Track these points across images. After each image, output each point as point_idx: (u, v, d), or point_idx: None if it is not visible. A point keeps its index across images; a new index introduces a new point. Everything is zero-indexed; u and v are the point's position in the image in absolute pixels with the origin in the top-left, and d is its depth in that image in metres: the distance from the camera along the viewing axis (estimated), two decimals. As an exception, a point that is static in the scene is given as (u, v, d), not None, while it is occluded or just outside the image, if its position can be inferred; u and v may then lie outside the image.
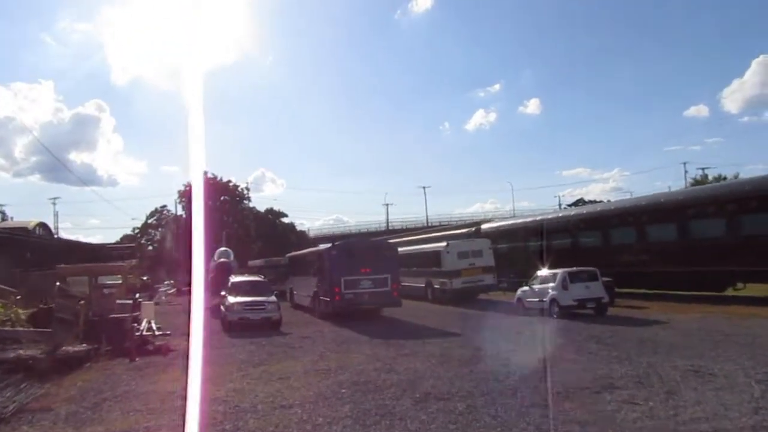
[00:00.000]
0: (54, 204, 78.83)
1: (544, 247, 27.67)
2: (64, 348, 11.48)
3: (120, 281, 18.93)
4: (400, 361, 11.73)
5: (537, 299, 20.44)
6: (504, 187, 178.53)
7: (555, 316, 19.17)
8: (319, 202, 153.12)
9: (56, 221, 77.45)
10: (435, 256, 28.27)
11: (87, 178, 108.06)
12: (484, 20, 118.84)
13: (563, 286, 19.30)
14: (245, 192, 68.96)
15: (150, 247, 70.79)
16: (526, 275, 23.66)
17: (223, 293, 19.88)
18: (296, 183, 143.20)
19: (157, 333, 17.59)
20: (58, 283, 13.60)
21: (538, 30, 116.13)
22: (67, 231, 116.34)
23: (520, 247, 30.32)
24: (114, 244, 74.36)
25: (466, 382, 9.53)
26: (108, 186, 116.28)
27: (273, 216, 74.35)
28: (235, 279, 21.67)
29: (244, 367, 11.67)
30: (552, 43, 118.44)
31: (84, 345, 12.55)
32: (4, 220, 64.55)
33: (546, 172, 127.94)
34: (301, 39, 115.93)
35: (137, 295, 20.95)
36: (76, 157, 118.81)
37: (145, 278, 53.46)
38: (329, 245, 22.93)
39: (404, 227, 77.39)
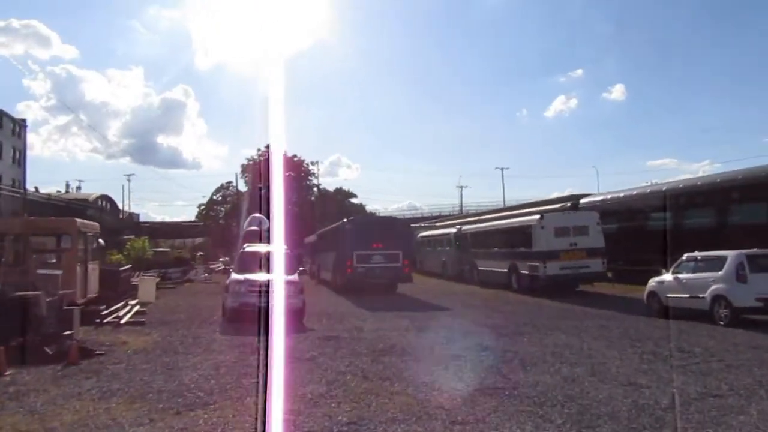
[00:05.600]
0: (128, 180, 78.41)
1: (674, 226, 20.22)
2: None
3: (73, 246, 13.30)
4: (491, 415, 5.52)
5: (687, 295, 13.50)
6: (583, 173, 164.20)
7: (722, 322, 12.27)
8: (394, 185, 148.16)
9: (123, 197, 76.75)
10: (523, 233, 21.48)
11: (173, 160, 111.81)
12: (566, 3, 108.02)
13: (738, 276, 12.28)
14: (310, 167, 64.62)
15: (219, 222, 68.30)
16: (642, 263, 18.74)
17: (229, 268, 14.24)
18: (371, 167, 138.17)
19: (122, 321, 12.51)
20: None
21: (623, 12, 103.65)
22: (154, 210, 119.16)
23: (635, 226, 22.87)
24: (188, 221, 72.80)
25: None
26: (193, 168, 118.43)
27: (342, 196, 69.91)
28: (246, 248, 15.43)
29: (165, 409, 5.84)
30: (638, 25, 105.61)
31: None
32: (67, 192, 63.50)
33: (629, 162, 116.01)
34: (377, 23, 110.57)
35: (123, 268, 15.84)
36: (164, 141, 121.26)
37: (200, 254, 50.36)
38: (345, 220, 23.78)
39: (479, 211, 70.62)
